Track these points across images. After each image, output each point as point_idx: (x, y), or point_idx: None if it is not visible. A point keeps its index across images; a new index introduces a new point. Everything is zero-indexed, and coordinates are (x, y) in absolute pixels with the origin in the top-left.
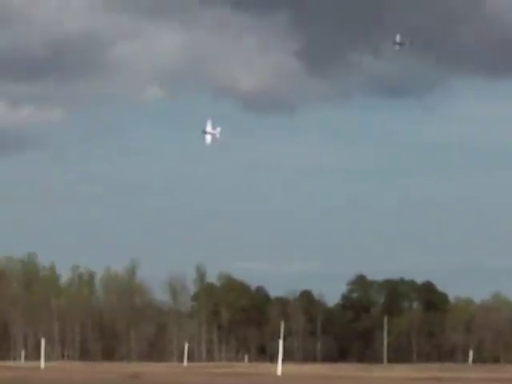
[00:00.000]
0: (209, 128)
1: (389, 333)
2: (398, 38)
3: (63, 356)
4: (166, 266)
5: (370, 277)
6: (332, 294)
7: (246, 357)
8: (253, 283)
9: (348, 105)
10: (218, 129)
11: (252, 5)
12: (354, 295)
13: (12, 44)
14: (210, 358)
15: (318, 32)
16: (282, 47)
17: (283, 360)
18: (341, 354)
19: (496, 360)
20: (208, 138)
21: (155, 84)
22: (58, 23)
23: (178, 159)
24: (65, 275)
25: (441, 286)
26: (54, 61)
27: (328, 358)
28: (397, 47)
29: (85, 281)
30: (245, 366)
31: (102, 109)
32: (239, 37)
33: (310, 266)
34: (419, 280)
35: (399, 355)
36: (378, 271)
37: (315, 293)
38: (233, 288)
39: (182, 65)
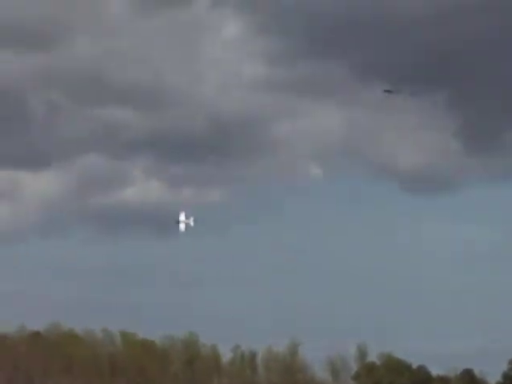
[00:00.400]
0: (182, 217)
1: None
2: None
3: None
4: (327, 344)
5: None
6: (494, 371)
7: None
8: (414, 361)
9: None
10: (192, 218)
11: (410, 85)
12: None
13: (172, 125)
14: None
15: (475, 112)
16: (439, 127)
17: None
18: None
19: None
20: (182, 226)
21: (313, 163)
22: (218, 103)
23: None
24: (226, 354)
25: None
26: (214, 141)
27: None
28: None
29: (246, 360)
30: None
31: (261, 188)
32: (397, 116)
33: (471, 343)
34: None
35: None
36: None
37: (476, 371)
38: (393, 367)
39: (339, 144)
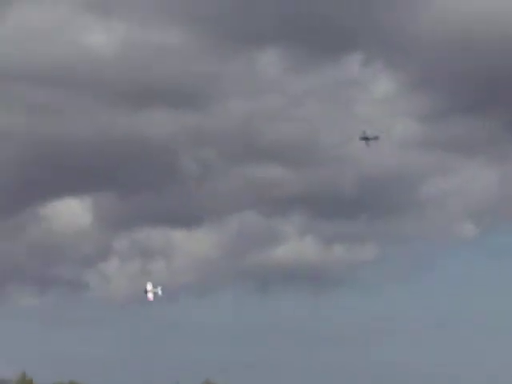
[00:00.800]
0: (149, 287)
1: None
2: None
3: None
4: None
5: None
6: None
7: None
8: None
9: None
10: (159, 287)
11: None
12: None
13: (322, 182)
14: None
15: None
16: None
17: None
18: None
19: None
20: (150, 295)
21: (466, 221)
22: (368, 161)
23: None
24: None
25: None
26: (365, 199)
27: None
28: None
29: None
30: None
31: (413, 246)
32: None
33: None
34: None
35: None
36: None
37: None
38: None
39: (492, 201)
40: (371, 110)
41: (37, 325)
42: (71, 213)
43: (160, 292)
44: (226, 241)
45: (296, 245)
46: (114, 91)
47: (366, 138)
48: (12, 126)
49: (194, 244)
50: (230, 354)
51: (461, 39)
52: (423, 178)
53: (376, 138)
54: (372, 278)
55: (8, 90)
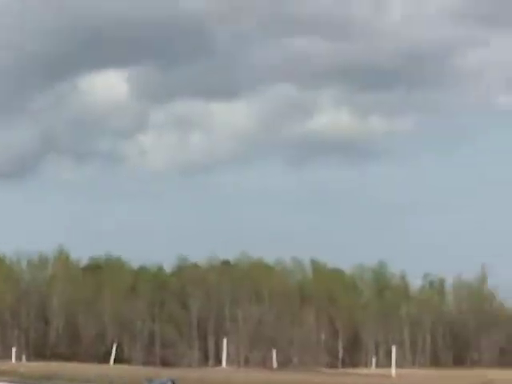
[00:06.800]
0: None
1: None
2: None
3: (414, 363)
4: None
5: None
6: None
7: None
8: None
9: None
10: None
11: None
12: None
13: (360, 54)
14: None
15: None
16: None
17: None
18: None
19: None
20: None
21: (506, 92)
22: (409, 32)
23: None
24: (415, 283)
25: None
26: (403, 70)
27: None
28: None
29: (435, 288)
30: None
31: (453, 117)
32: None
33: None
34: None
35: None
36: None
37: None
38: None
39: None
40: None
41: (74, 198)
42: (108, 85)
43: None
44: (264, 113)
45: (332, 117)
46: None
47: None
48: None
49: (231, 116)
50: (266, 225)
51: None
52: (463, 50)
53: None
54: (411, 149)
55: None
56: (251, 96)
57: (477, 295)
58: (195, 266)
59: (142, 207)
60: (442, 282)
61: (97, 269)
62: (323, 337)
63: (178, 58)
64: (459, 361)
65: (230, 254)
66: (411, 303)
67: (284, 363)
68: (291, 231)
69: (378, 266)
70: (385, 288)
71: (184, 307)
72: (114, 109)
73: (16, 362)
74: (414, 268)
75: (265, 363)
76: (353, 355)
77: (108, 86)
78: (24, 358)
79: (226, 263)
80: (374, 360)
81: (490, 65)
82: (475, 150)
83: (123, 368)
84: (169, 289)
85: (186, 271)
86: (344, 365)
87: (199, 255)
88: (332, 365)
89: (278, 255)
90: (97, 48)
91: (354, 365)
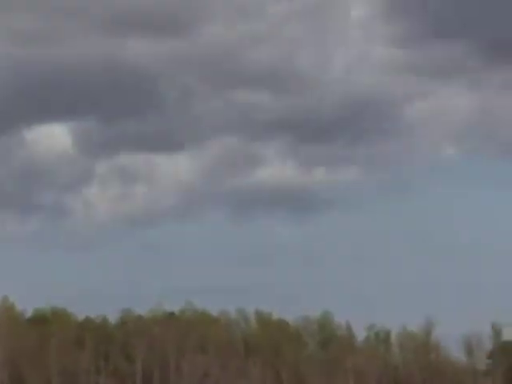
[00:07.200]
0: None
1: None
2: None
3: None
4: (462, 324)
5: None
6: None
7: None
8: None
9: None
10: None
11: None
12: None
13: (303, 106)
14: None
15: None
16: None
17: None
18: None
19: None
20: None
21: (445, 144)
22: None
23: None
24: (360, 334)
25: None
26: (344, 122)
27: None
28: None
29: (381, 339)
30: None
31: (395, 168)
32: None
33: None
34: None
35: None
36: None
37: None
38: None
39: (471, 124)
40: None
41: (19, 250)
42: (53, 138)
43: None
44: (207, 165)
45: (277, 168)
46: (93, 17)
47: None
48: None
49: (175, 169)
50: (211, 277)
51: None
52: (402, 101)
53: None
54: (353, 198)
55: None
56: (195, 148)
57: (422, 347)
58: (139, 317)
59: (86, 259)
60: (387, 333)
61: (42, 320)
62: None
63: (121, 111)
64: None
65: (175, 306)
66: (356, 354)
67: None
68: (235, 283)
69: (322, 316)
70: (330, 339)
71: (128, 359)
72: (58, 162)
73: None
74: (358, 319)
75: None
76: None
77: (52, 138)
78: None
79: (170, 314)
80: None
81: (428, 117)
82: (419, 200)
83: None
84: (113, 341)
85: (130, 323)
86: None
87: (143, 307)
88: None
89: (222, 306)
90: (42, 101)
91: None
